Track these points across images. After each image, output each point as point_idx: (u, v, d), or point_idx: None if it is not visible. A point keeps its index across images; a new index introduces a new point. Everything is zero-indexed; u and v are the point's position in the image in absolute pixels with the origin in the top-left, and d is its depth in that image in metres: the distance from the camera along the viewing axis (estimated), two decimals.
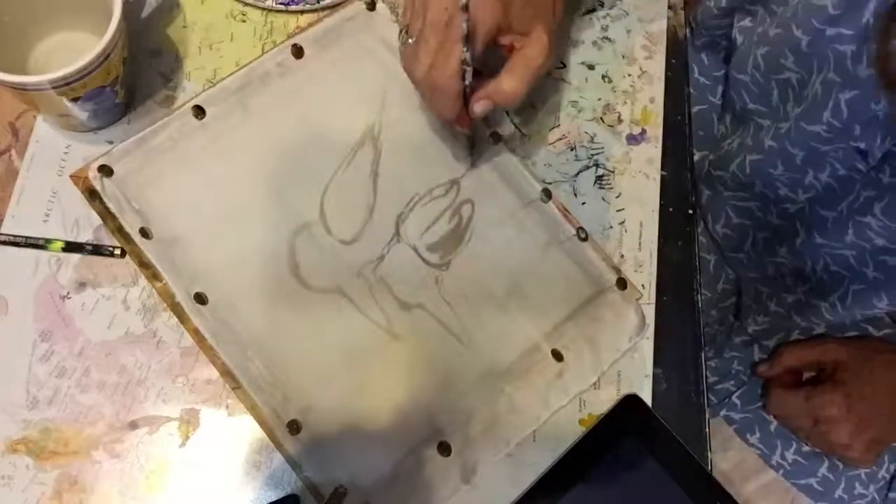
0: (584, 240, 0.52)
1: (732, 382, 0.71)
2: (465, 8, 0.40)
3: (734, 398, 0.70)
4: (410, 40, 0.46)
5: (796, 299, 0.65)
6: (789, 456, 0.67)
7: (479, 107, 0.45)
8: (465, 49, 0.42)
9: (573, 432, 0.48)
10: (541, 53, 0.45)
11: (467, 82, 0.44)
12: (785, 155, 0.56)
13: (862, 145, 0.50)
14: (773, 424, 0.68)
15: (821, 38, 0.50)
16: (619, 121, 0.58)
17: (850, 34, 0.48)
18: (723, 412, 0.69)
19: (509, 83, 0.45)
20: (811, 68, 0.52)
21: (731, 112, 0.65)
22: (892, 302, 0.57)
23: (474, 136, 0.52)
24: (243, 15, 0.57)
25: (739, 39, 0.62)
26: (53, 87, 0.44)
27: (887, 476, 0.67)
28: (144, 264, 0.48)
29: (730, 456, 0.68)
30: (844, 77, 0.49)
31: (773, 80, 0.57)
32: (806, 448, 0.67)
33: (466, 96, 0.45)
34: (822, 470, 0.67)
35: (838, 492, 0.66)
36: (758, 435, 0.68)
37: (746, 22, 0.62)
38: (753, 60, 0.58)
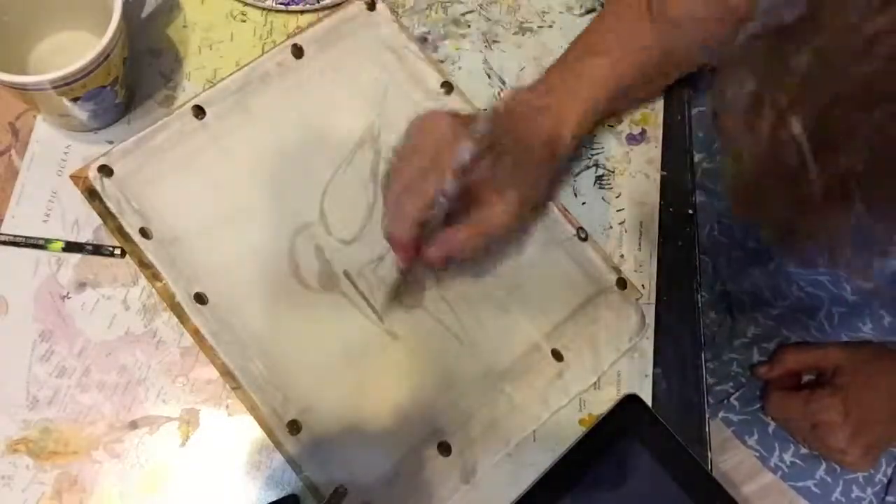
0: (584, 240, 0.52)
1: (731, 384, 0.71)
2: (468, 153, 0.38)
3: (732, 399, 0.70)
4: (394, 161, 0.44)
5: (780, 313, 0.65)
6: (787, 458, 0.67)
7: (433, 253, 0.44)
8: (443, 195, 0.40)
9: (573, 432, 0.48)
10: (502, 218, 0.44)
11: (435, 214, 0.41)
12: None
13: None
14: (772, 426, 0.68)
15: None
16: (619, 121, 0.58)
17: None
18: (721, 413, 0.69)
19: (465, 237, 0.44)
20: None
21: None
22: (875, 328, 0.57)
23: (404, 280, 0.48)
24: (243, 15, 0.57)
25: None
26: (53, 87, 0.44)
27: (884, 479, 0.67)
28: (144, 264, 0.48)
29: (728, 458, 0.68)
30: None
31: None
32: (804, 450, 0.67)
33: (426, 236, 0.43)
34: (820, 472, 0.67)
35: (836, 494, 0.66)
36: (756, 437, 0.68)
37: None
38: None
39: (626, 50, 0.50)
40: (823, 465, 0.67)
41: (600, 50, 0.50)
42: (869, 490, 0.66)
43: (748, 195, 0.36)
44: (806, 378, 0.68)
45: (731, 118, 0.34)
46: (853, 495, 0.66)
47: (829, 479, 0.66)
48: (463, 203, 0.43)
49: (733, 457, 0.68)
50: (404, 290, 0.49)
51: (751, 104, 0.32)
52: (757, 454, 0.67)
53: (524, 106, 0.48)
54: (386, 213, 0.44)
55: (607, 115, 0.55)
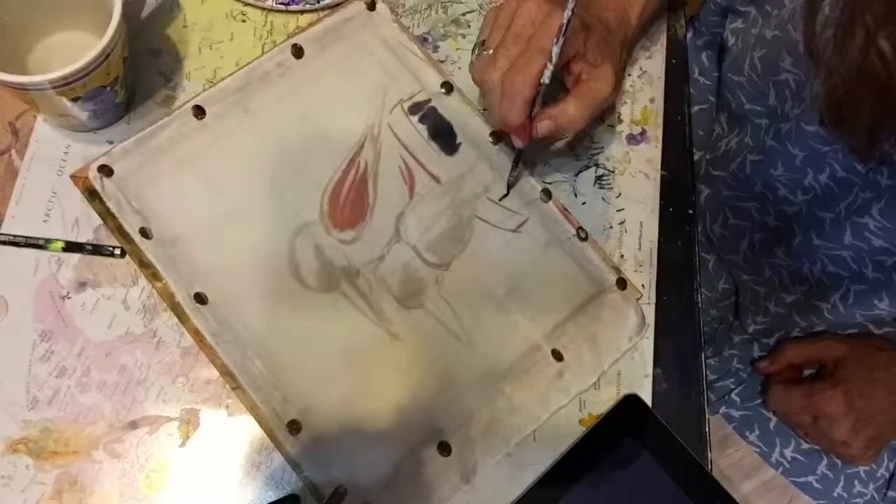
0: (584, 240, 0.52)
1: (732, 380, 0.71)
2: (566, 26, 0.42)
3: (733, 395, 0.70)
4: (486, 52, 0.47)
5: (795, 299, 0.65)
6: (788, 453, 0.67)
7: (543, 126, 0.47)
8: (550, 61, 0.43)
9: (573, 432, 0.48)
10: (607, 86, 0.47)
11: (542, 90, 0.45)
12: (785, 155, 0.56)
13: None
14: (773, 422, 0.68)
15: (819, 40, 0.50)
16: (619, 121, 0.58)
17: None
18: (722, 409, 0.69)
19: (575, 108, 0.46)
20: (810, 69, 0.52)
21: (726, 112, 0.66)
22: (892, 303, 0.57)
23: (522, 155, 0.51)
24: (243, 15, 0.57)
25: (731, 41, 0.62)
26: (53, 87, 0.44)
27: (886, 474, 0.67)
28: (144, 264, 0.48)
29: (729, 454, 0.68)
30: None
31: (770, 81, 0.57)
32: (805, 445, 0.67)
33: (532, 113, 0.46)
34: (822, 468, 0.67)
35: (837, 490, 0.66)
36: (757, 432, 0.68)
37: (738, 24, 0.62)
38: (750, 62, 0.58)
39: None
40: (825, 461, 0.66)
41: None
42: (871, 485, 0.66)
43: (840, 107, 0.44)
44: (807, 372, 0.68)
45: (822, 42, 0.43)
46: (855, 490, 0.66)
47: (830, 475, 0.66)
48: (559, 83, 0.47)
49: (734, 453, 0.68)
50: (520, 174, 0.52)
51: (841, 28, 0.40)
52: (758, 450, 0.67)
53: None
54: (493, 99, 0.47)
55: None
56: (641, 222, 0.55)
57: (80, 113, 0.48)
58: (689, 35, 0.69)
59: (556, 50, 0.43)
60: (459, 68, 0.57)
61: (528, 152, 0.54)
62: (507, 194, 0.53)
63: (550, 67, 0.44)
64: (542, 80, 0.44)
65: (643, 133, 0.57)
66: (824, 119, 0.49)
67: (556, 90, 0.47)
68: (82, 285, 0.48)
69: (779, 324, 0.68)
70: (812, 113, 0.53)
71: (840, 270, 0.58)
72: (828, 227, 0.57)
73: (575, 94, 0.47)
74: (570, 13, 0.42)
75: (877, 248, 0.54)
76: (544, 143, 0.55)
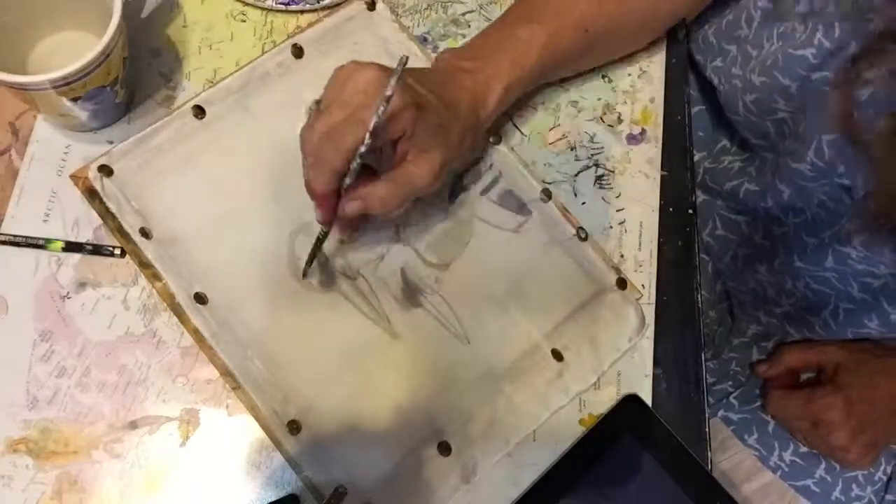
0: (584, 240, 0.52)
1: (730, 383, 0.71)
2: (388, 99, 0.38)
3: (732, 398, 0.70)
4: (315, 110, 0.44)
5: (785, 311, 0.65)
6: (787, 457, 0.67)
7: (350, 206, 0.43)
8: (367, 136, 0.39)
9: (573, 432, 0.48)
10: (428, 175, 0.43)
11: (354, 165, 0.41)
12: (774, 190, 0.57)
13: (846, 182, 0.51)
14: (771, 425, 0.68)
15: (808, 83, 0.51)
16: (619, 121, 0.58)
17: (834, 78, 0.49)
18: (720, 412, 0.69)
19: (386, 191, 0.43)
20: (802, 107, 0.53)
21: (737, 140, 0.66)
22: (882, 324, 0.57)
23: (322, 242, 0.47)
24: (243, 15, 0.57)
25: (716, 80, 0.62)
26: (53, 87, 0.44)
27: (884, 478, 0.67)
28: (144, 264, 0.48)
29: (727, 457, 0.68)
30: (825, 120, 0.50)
31: (767, 120, 0.57)
32: (803, 449, 0.67)
33: (341, 191, 0.42)
34: (820, 471, 0.67)
35: (835, 493, 0.66)
36: (755, 436, 0.68)
37: (718, 62, 0.61)
38: (744, 105, 0.58)
39: (563, 21, 0.50)
40: (823, 464, 0.67)
41: (535, 18, 0.50)
42: (869, 489, 0.66)
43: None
44: (805, 376, 0.68)
45: (866, 125, 0.43)
46: (853, 494, 0.66)
47: (828, 478, 0.66)
48: (384, 159, 0.43)
49: (733, 456, 0.68)
50: (319, 251, 0.48)
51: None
52: (756, 453, 0.67)
53: (453, 67, 0.48)
54: (304, 161, 0.43)
55: (538, 83, 0.54)
56: (641, 222, 0.55)
57: (81, 113, 0.48)
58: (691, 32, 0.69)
59: (373, 122, 0.38)
60: None
61: (525, 152, 0.54)
62: (304, 276, 0.49)
63: (368, 142, 0.39)
64: (357, 154, 0.40)
65: (643, 133, 0.57)
66: (873, 227, 0.48)
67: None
68: (82, 285, 0.48)
69: (773, 332, 0.68)
70: (799, 150, 0.53)
71: (824, 289, 0.59)
72: (810, 251, 0.58)
73: (390, 176, 0.43)
74: (391, 89, 0.38)
75: (860, 271, 0.55)
76: (352, 227, 0.50)
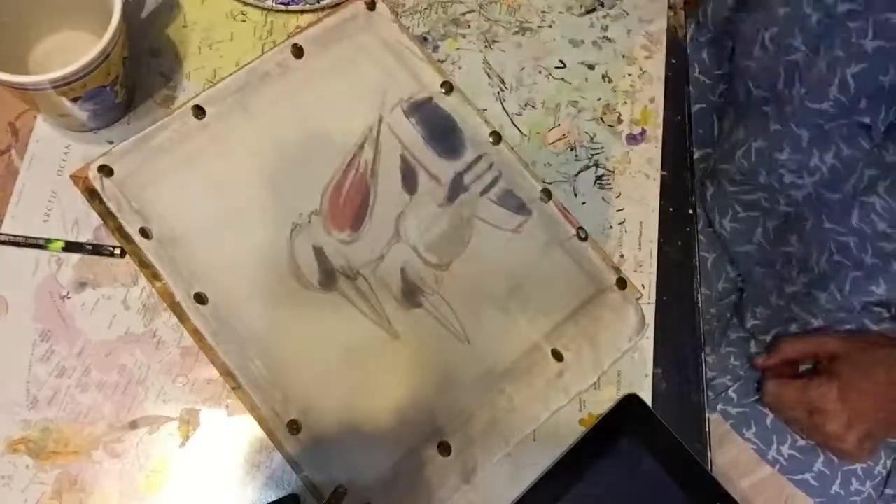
0: (584, 240, 0.52)
1: (729, 377, 0.71)
2: None
3: (730, 392, 0.70)
4: None
5: (795, 291, 0.65)
6: (785, 451, 0.67)
7: None
8: None
9: (573, 432, 0.48)
10: None
11: None
12: (790, 136, 0.57)
13: (867, 119, 0.52)
14: (770, 419, 0.68)
15: (832, 16, 0.51)
16: (619, 121, 0.58)
17: (860, 10, 0.49)
18: (719, 407, 0.69)
19: None
20: (818, 47, 0.53)
21: (733, 105, 0.66)
22: (889, 287, 0.57)
23: None
24: (243, 15, 0.57)
25: (745, 24, 0.62)
26: (53, 87, 0.44)
27: (883, 472, 0.67)
28: (144, 264, 0.48)
29: (726, 451, 0.68)
30: (851, 52, 0.50)
31: (782, 61, 0.57)
32: (802, 443, 0.67)
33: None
34: (819, 465, 0.67)
35: (834, 487, 0.66)
36: (754, 430, 0.68)
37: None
38: (761, 44, 0.58)
39: None
40: (821, 458, 0.66)
41: None
42: (868, 483, 0.66)
43: None
44: (802, 367, 0.68)
45: None
46: (852, 488, 0.66)
47: (827, 472, 0.66)
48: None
49: (731, 450, 0.68)
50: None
51: None
52: (755, 447, 0.67)
53: None
54: None
55: None
56: (641, 222, 0.55)
57: (80, 113, 0.48)
58: (691, 31, 0.69)
59: None
60: (459, 68, 0.57)
61: (525, 152, 0.54)
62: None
63: None
64: None
65: (643, 133, 0.57)
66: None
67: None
68: (82, 285, 0.48)
69: (777, 317, 0.68)
70: (819, 90, 0.53)
71: (843, 259, 0.59)
72: (836, 208, 0.57)
73: None
74: None
75: (880, 233, 0.55)
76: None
